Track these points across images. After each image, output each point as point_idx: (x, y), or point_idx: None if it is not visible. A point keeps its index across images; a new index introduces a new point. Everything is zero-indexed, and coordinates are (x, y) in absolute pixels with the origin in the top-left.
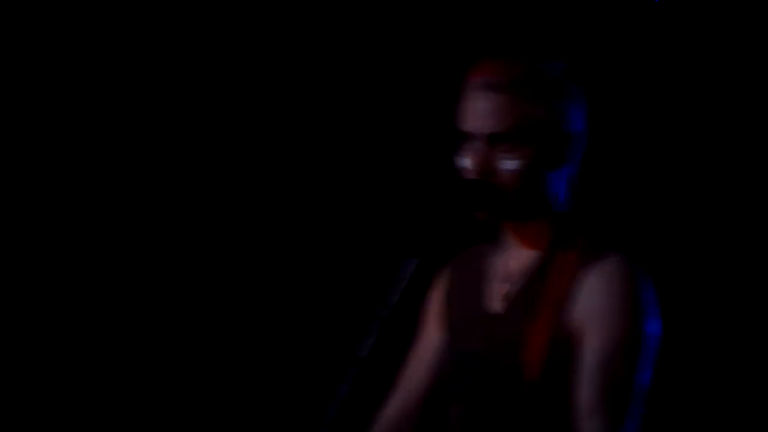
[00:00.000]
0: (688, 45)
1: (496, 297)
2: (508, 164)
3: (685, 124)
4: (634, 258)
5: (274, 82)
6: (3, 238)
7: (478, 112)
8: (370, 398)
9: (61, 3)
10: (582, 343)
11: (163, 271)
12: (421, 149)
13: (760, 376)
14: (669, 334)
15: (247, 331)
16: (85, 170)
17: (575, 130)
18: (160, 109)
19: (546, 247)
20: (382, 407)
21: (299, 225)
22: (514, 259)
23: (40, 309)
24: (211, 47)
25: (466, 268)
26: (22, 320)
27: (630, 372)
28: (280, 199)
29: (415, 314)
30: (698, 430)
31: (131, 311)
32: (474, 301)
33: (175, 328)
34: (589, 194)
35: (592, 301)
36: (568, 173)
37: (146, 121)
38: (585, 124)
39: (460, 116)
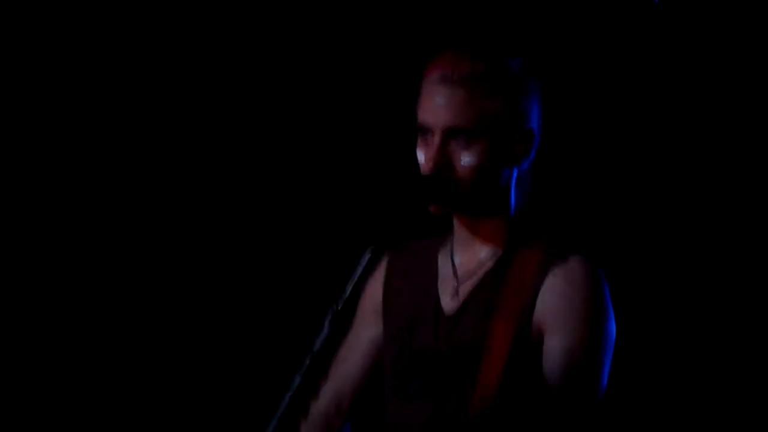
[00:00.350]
0: (642, 34)
1: (448, 294)
2: (464, 159)
3: (638, 119)
4: (596, 259)
5: (235, 82)
6: (3, 238)
7: (435, 105)
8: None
9: (61, 3)
10: (545, 345)
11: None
12: (383, 143)
13: (716, 372)
14: (625, 335)
15: (208, 326)
16: (82, 170)
17: (533, 127)
18: (152, 107)
19: (502, 245)
20: (313, 399)
21: (256, 216)
22: (466, 255)
23: (40, 309)
24: (192, 45)
25: (409, 263)
26: (22, 320)
27: (593, 374)
28: (234, 191)
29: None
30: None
31: (121, 310)
32: (422, 297)
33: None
34: (544, 192)
35: (555, 302)
36: (524, 170)
37: (138, 120)
38: (542, 121)
39: (418, 110)
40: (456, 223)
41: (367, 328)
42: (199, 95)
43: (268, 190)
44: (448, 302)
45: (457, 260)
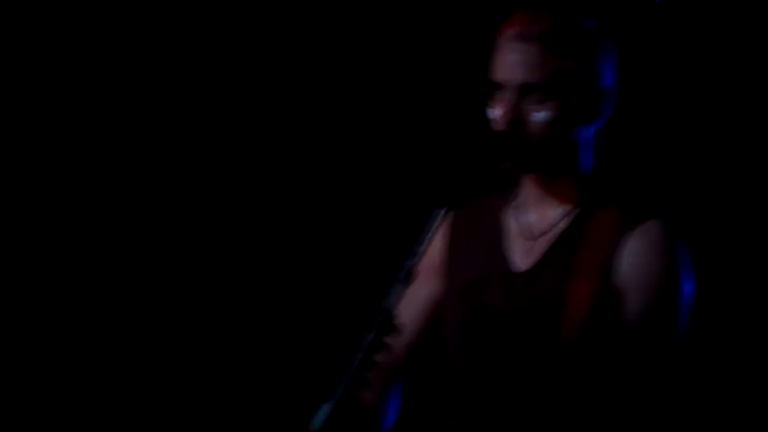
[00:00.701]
0: None
1: (520, 252)
2: (538, 115)
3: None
4: (676, 224)
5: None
6: (3, 238)
7: (510, 62)
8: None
9: (61, 3)
10: (623, 306)
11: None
12: (454, 100)
13: None
14: (701, 298)
15: (277, 284)
16: (75, 170)
17: (607, 86)
18: (146, 106)
19: (575, 205)
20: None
21: (325, 174)
22: (537, 214)
23: (39, 309)
24: (185, 42)
25: (472, 220)
26: (21, 320)
27: (669, 336)
28: (305, 149)
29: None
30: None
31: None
32: (490, 255)
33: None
34: (618, 155)
35: (633, 262)
36: (597, 130)
37: (132, 119)
38: (617, 81)
39: (493, 67)
40: (526, 180)
41: (425, 285)
42: (196, 89)
43: (335, 147)
44: (520, 260)
45: (527, 218)
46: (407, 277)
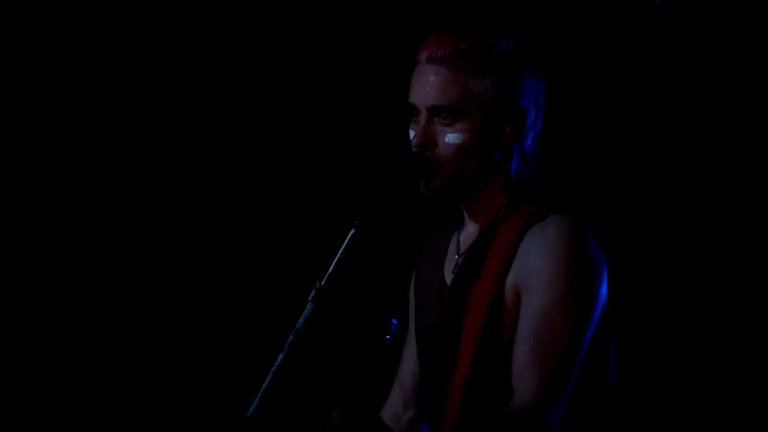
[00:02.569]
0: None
1: (449, 269)
2: (448, 137)
3: (650, 102)
4: (579, 217)
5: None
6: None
7: (420, 84)
8: (305, 368)
9: (61, 3)
10: (522, 303)
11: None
12: (376, 122)
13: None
14: (625, 301)
15: (194, 310)
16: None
17: (524, 106)
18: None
19: (493, 218)
20: (387, 403)
21: (236, 197)
22: (466, 232)
23: (35, 309)
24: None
25: (431, 249)
26: (21, 320)
27: (564, 331)
28: (212, 171)
29: (352, 283)
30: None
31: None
32: (434, 276)
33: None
34: (555, 173)
35: (528, 261)
36: (523, 151)
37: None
38: (539, 100)
39: (409, 89)
40: (461, 201)
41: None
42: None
43: (256, 171)
44: (449, 275)
45: (460, 237)
46: (317, 295)
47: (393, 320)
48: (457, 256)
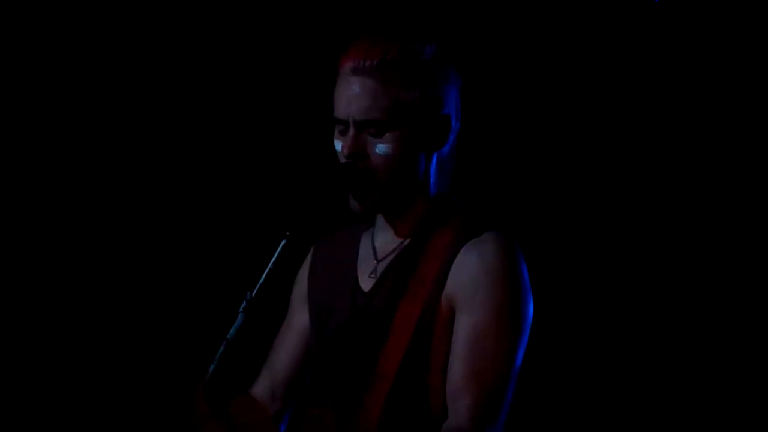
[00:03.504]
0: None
1: (366, 273)
2: (378, 148)
3: (566, 105)
4: (512, 237)
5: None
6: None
7: (346, 97)
8: (236, 379)
9: (61, 3)
10: (456, 317)
11: None
12: (307, 131)
13: (630, 346)
14: (543, 316)
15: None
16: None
17: (449, 113)
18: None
19: (418, 227)
20: (252, 388)
21: (169, 204)
22: (385, 236)
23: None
24: None
25: (332, 248)
26: (20, 320)
27: (500, 351)
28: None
29: (283, 294)
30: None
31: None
32: (342, 278)
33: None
34: (467, 177)
35: (463, 278)
36: (444, 155)
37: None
38: (458, 104)
39: (334, 101)
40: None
41: (297, 316)
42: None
43: (188, 178)
44: (364, 280)
45: (377, 241)
46: (249, 306)
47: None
48: (375, 261)
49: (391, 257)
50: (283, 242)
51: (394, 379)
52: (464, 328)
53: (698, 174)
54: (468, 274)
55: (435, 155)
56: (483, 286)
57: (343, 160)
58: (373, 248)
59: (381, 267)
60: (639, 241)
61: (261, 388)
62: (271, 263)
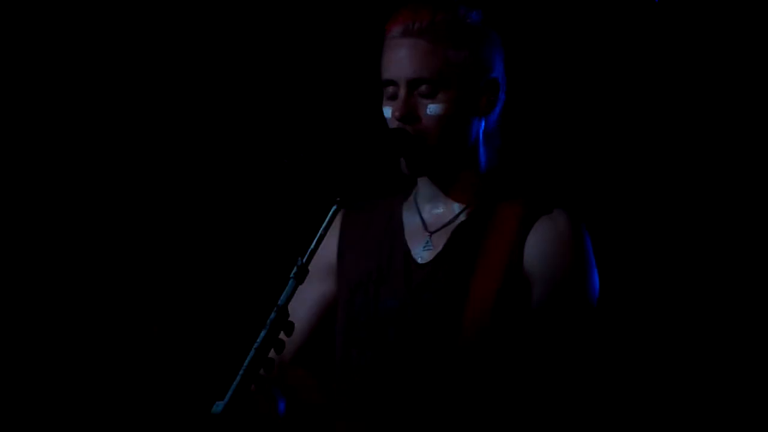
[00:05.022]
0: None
1: (420, 245)
2: (430, 109)
3: (618, 85)
4: (579, 214)
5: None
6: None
7: (397, 59)
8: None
9: (61, 3)
10: (532, 295)
11: None
12: (354, 99)
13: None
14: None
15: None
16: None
17: (497, 77)
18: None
19: (474, 199)
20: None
21: (220, 173)
22: (437, 209)
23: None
24: None
25: (367, 218)
26: (21, 320)
27: (579, 323)
28: (202, 147)
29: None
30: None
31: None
32: (388, 249)
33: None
34: (516, 152)
35: (540, 253)
36: (492, 126)
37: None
38: (505, 73)
39: (383, 66)
40: (423, 179)
41: (316, 285)
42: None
43: (235, 151)
44: (418, 254)
45: (425, 213)
46: (300, 273)
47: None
48: (427, 233)
49: (448, 229)
50: (334, 208)
51: (478, 356)
52: (542, 302)
53: (698, 174)
54: (544, 249)
55: (482, 126)
56: (561, 263)
57: (394, 125)
58: (422, 220)
59: (438, 240)
60: (639, 241)
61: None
62: (321, 229)
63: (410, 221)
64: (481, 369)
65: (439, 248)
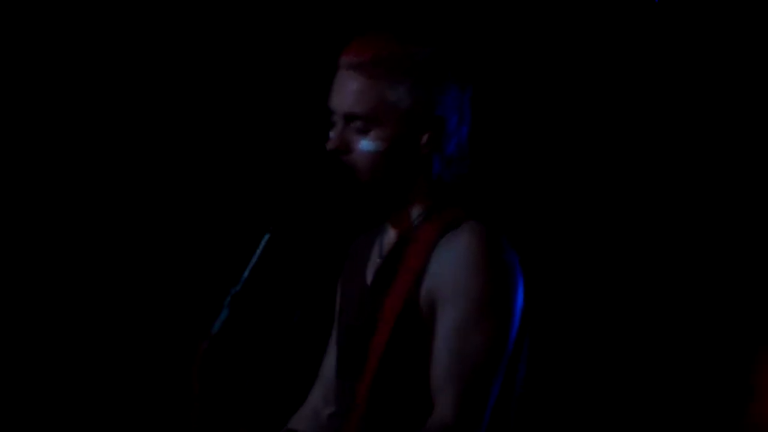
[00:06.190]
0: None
1: (370, 273)
2: (363, 144)
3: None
4: (494, 226)
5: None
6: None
7: (337, 90)
8: (220, 373)
9: (62, 3)
10: (436, 313)
11: None
12: (296, 124)
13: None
14: (542, 311)
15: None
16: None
17: (442, 116)
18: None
19: (410, 224)
20: (308, 397)
21: (152, 198)
22: (388, 236)
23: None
24: None
25: (358, 251)
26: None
27: (479, 344)
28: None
29: (267, 288)
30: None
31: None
32: (356, 278)
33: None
34: (481, 181)
35: (442, 270)
36: (445, 156)
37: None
38: (461, 111)
39: (330, 93)
40: (384, 206)
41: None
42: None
43: (171, 176)
44: (369, 279)
45: (383, 239)
46: (233, 300)
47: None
48: (378, 260)
49: (384, 255)
50: (267, 236)
51: (374, 375)
52: (443, 321)
53: (698, 174)
54: (444, 266)
55: (436, 157)
56: (459, 278)
57: (328, 149)
58: (380, 247)
59: (380, 264)
60: (640, 240)
61: (315, 394)
62: (255, 257)
63: (374, 248)
64: (388, 394)
65: (375, 272)
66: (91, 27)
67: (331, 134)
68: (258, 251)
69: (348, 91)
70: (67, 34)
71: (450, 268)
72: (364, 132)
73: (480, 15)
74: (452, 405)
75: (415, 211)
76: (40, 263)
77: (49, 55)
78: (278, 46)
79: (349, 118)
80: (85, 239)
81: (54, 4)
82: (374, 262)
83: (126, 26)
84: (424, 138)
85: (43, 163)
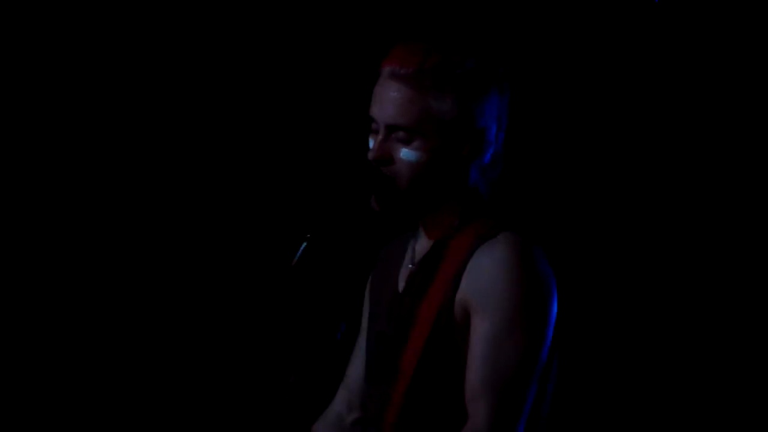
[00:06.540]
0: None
1: (402, 280)
2: (405, 154)
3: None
4: (530, 237)
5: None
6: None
7: (380, 100)
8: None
9: (61, 3)
10: (471, 321)
11: None
12: (331, 131)
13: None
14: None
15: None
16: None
17: (485, 126)
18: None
19: (447, 231)
20: (332, 403)
21: (194, 204)
22: (420, 243)
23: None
24: None
25: (389, 254)
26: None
27: (513, 354)
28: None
29: (304, 293)
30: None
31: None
32: (387, 284)
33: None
34: (515, 188)
35: (478, 280)
36: (482, 165)
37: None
38: (500, 120)
39: (371, 100)
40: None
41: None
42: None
43: (206, 186)
44: (400, 286)
45: (416, 246)
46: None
47: (341, 325)
48: (411, 266)
49: (417, 262)
50: (304, 245)
51: (410, 382)
52: (478, 331)
53: (698, 174)
54: (479, 276)
55: (473, 166)
56: (494, 289)
57: (369, 158)
58: (413, 253)
59: (413, 271)
60: (644, 242)
61: (339, 400)
62: (292, 265)
63: (406, 254)
64: (423, 401)
65: (408, 280)
66: (91, 27)
67: (371, 142)
68: (295, 259)
69: (392, 102)
70: (73, 35)
71: (486, 278)
72: (406, 142)
73: (502, 21)
74: (486, 415)
75: (450, 219)
76: (44, 263)
77: (52, 56)
78: (317, 53)
79: (391, 128)
80: (103, 240)
81: (54, 4)
82: (406, 268)
83: (129, 26)
84: (465, 150)
85: (54, 164)
